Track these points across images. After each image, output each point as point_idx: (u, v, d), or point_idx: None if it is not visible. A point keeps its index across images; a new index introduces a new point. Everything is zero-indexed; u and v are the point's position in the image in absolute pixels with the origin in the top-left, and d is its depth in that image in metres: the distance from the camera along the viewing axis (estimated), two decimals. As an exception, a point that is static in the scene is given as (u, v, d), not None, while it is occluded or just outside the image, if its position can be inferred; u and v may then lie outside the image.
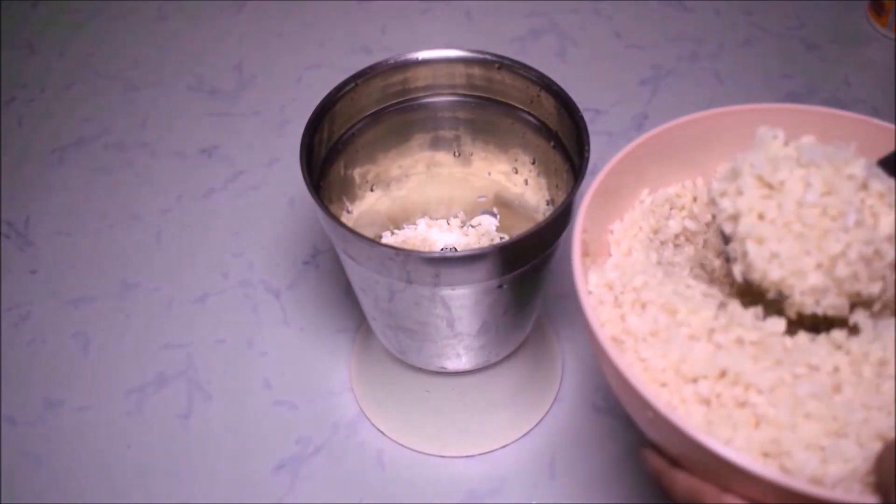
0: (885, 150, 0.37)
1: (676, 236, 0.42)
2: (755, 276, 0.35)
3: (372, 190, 0.55)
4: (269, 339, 0.60)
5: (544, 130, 0.51)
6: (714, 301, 0.36)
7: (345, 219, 0.53)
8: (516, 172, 0.55)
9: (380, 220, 0.56)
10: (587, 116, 0.47)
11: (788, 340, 0.35)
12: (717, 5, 0.84)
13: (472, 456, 0.54)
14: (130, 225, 0.68)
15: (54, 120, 0.76)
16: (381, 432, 0.55)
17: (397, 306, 0.46)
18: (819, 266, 0.34)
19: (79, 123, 0.76)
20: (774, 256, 0.34)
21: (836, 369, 0.34)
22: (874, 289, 0.34)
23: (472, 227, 0.57)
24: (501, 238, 0.57)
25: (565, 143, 0.50)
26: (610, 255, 0.40)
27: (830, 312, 0.35)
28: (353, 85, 0.50)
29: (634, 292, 0.37)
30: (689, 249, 0.42)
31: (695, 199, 0.42)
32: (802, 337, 0.35)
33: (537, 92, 0.50)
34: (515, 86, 0.51)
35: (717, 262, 0.42)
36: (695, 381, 0.33)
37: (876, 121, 0.40)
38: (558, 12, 0.84)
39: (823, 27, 0.81)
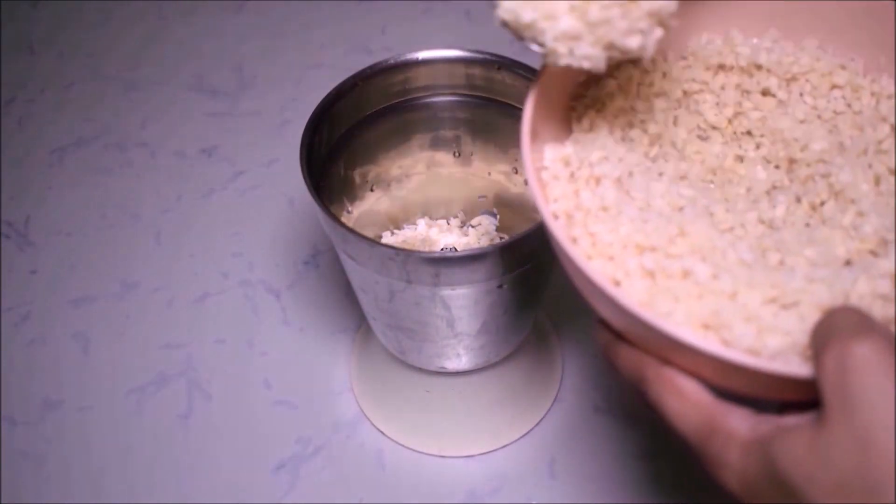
0: None
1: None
2: (508, 18, 0.34)
3: (372, 190, 0.55)
4: (269, 339, 0.60)
5: (544, 130, 0.51)
6: (671, 181, 0.36)
7: (345, 219, 0.53)
8: (516, 172, 0.55)
9: (380, 220, 0.56)
10: (587, 116, 0.47)
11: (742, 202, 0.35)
12: (717, 5, 0.84)
13: (472, 456, 0.54)
14: (130, 225, 0.68)
15: (54, 120, 0.76)
16: (381, 432, 0.55)
17: (397, 306, 0.46)
18: (572, 9, 0.32)
19: (79, 123, 0.76)
20: None
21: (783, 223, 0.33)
22: (632, 42, 0.32)
23: (472, 227, 0.57)
24: (501, 238, 0.57)
25: (565, 143, 0.50)
26: (571, 131, 0.38)
27: (587, 65, 0.32)
28: (353, 85, 0.50)
29: (590, 167, 0.35)
30: (652, 127, 0.39)
31: (664, 75, 0.40)
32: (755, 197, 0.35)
33: (537, 92, 0.50)
34: (515, 86, 0.51)
35: (682, 134, 0.40)
36: (640, 254, 0.33)
37: None
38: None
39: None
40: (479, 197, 0.57)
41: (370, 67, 0.50)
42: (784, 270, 0.32)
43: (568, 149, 0.37)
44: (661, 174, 0.37)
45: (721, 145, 0.39)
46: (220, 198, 0.70)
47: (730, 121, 0.39)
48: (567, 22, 0.32)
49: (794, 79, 0.39)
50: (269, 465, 0.54)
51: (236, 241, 0.66)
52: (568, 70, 0.34)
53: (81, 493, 0.53)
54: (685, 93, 0.40)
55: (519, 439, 0.55)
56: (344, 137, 0.51)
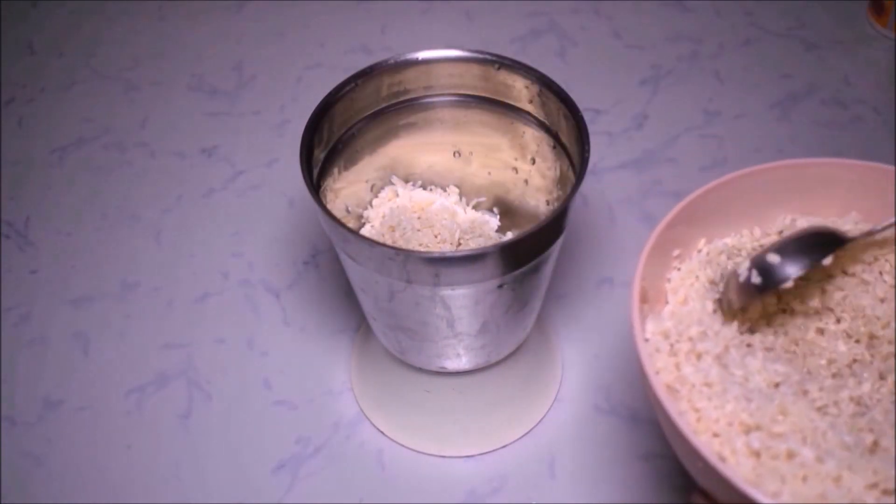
0: None
1: None
2: None
3: (372, 190, 0.55)
4: (269, 339, 0.60)
5: (544, 130, 0.51)
6: (768, 359, 0.38)
7: (345, 218, 0.53)
8: (516, 172, 0.55)
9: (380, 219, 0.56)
10: (587, 116, 0.47)
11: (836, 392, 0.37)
12: (717, 5, 0.84)
13: (472, 456, 0.54)
14: (130, 225, 0.68)
15: (54, 120, 0.76)
16: (381, 432, 0.55)
17: (397, 306, 0.46)
18: None
19: (79, 123, 0.76)
20: None
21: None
22: None
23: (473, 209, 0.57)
24: (501, 238, 0.57)
25: (565, 143, 0.50)
26: (666, 302, 0.41)
27: None
28: (353, 85, 0.50)
29: (690, 342, 0.38)
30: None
31: (761, 247, 0.43)
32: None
33: (537, 92, 0.50)
34: (515, 86, 0.51)
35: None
36: (747, 432, 0.34)
37: None
38: (558, 12, 0.84)
39: (823, 27, 0.81)
40: (479, 197, 0.57)
41: (370, 67, 0.50)
42: (881, 453, 0.34)
43: (667, 322, 0.39)
44: (749, 345, 0.39)
45: (803, 317, 0.41)
46: (220, 198, 0.70)
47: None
48: None
49: (875, 259, 0.42)
50: (269, 465, 0.54)
51: (236, 241, 0.66)
52: (665, 242, 0.40)
53: (81, 493, 0.53)
54: None
55: (519, 439, 0.55)
56: (344, 137, 0.51)
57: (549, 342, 0.59)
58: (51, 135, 0.75)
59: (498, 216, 0.57)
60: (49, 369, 0.59)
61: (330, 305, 0.62)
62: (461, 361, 0.50)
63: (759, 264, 0.38)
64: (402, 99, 0.52)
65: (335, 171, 0.51)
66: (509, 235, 0.56)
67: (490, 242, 0.53)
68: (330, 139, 0.50)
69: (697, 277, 0.41)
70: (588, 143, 0.46)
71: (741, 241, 0.43)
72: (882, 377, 0.39)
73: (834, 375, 0.39)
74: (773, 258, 0.38)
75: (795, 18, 0.82)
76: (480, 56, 0.51)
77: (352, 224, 0.54)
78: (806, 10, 0.83)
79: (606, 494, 0.52)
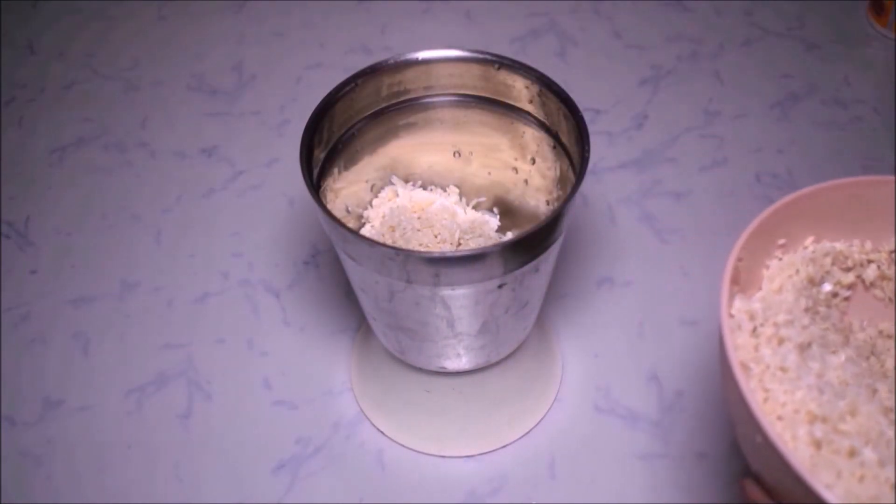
0: None
1: (828, 296, 0.42)
2: None
3: (372, 190, 0.55)
4: (269, 339, 0.60)
5: (544, 130, 0.51)
6: (853, 363, 0.37)
7: (345, 218, 0.53)
8: (516, 172, 0.55)
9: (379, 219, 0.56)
10: (587, 116, 0.47)
11: None
12: (717, 5, 0.84)
13: (472, 456, 0.54)
14: (130, 225, 0.68)
15: (54, 120, 0.76)
16: (381, 432, 0.55)
17: (397, 306, 0.46)
18: None
19: (79, 123, 0.76)
20: None
21: None
22: None
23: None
24: (501, 238, 0.57)
25: (565, 143, 0.50)
26: (760, 288, 0.41)
27: None
28: (353, 85, 0.50)
29: (775, 327, 0.38)
30: (835, 315, 0.42)
31: (869, 262, 0.43)
32: None
33: (537, 92, 0.50)
34: (515, 86, 0.51)
35: (861, 335, 0.42)
36: (811, 422, 0.34)
37: None
38: (558, 12, 0.84)
39: (823, 27, 0.81)
40: (479, 197, 0.57)
41: (370, 67, 0.50)
42: None
43: (756, 304, 0.39)
44: (834, 351, 0.39)
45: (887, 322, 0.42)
46: (220, 198, 0.70)
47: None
48: None
49: None
50: (269, 465, 0.54)
51: (236, 241, 0.66)
52: (773, 227, 0.39)
53: (81, 493, 0.53)
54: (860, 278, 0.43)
55: (519, 439, 0.55)
56: (344, 137, 0.51)
57: (549, 342, 0.59)
58: (51, 135, 0.75)
59: (498, 216, 0.57)
60: (49, 369, 0.59)
61: (330, 305, 0.62)
62: (461, 361, 0.50)
63: None
64: (402, 99, 0.52)
65: (335, 171, 0.51)
66: (509, 235, 0.56)
67: (490, 242, 0.53)
68: (330, 139, 0.50)
69: (798, 271, 0.41)
70: (588, 143, 0.46)
71: (850, 249, 0.43)
72: None
73: None
74: None
75: (795, 18, 0.82)
76: (480, 56, 0.50)
77: (352, 224, 0.54)
78: (806, 10, 0.83)
79: (606, 494, 0.52)
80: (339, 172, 0.52)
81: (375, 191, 0.56)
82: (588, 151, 0.45)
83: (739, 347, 0.37)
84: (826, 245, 0.43)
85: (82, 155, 0.73)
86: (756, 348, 0.37)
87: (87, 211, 0.69)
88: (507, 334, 0.50)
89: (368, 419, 0.56)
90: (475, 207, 0.57)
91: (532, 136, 0.52)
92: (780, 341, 0.37)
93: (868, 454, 0.33)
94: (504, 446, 0.55)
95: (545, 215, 0.53)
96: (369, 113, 0.52)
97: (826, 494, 0.30)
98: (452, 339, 0.48)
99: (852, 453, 0.33)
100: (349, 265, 0.46)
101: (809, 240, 0.42)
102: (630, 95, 0.76)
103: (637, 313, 0.61)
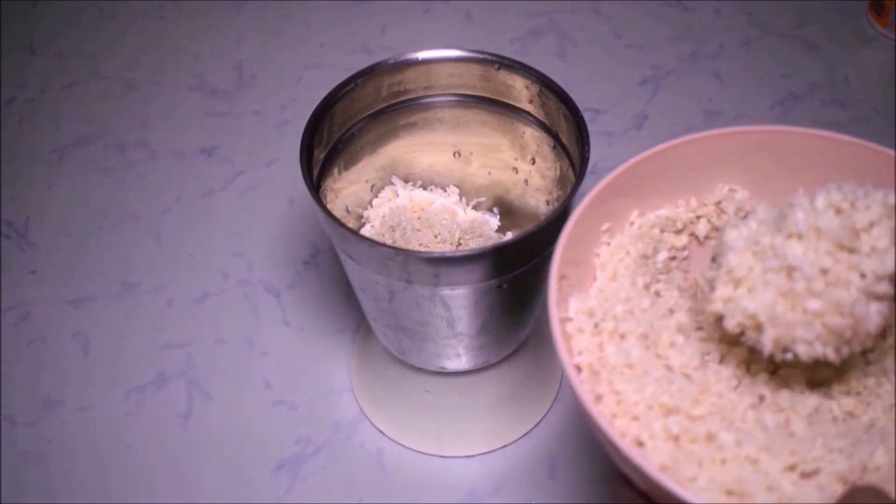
0: (885, 175, 0.37)
1: (665, 263, 0.41)
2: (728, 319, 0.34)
3: (372, 190, 0.55)
4: (269, 339, 0.60)
5: (544, 130, 0.51)
6: (694, 338, 0.37)
7: (345, 218, 0.53)
8: (516, 172, 0.55)
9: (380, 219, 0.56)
10: (587, 116, 0.47)
11: (762, 384, 0.36)
12: (717, 5, 0.84)
13: (472, 456, 0.54)
14: (130, 225, 0.68)
15: (54, 120, 0.76)
16: (381, 432, 0.55)
17: (397, 306, 0.46)
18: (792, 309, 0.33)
19: (79, 123, 0.76)
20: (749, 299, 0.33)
21: (810, 412, 0.35)
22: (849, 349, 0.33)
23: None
24: (501, 238, 0.57)
25: (565, 143, 0.50)
26: (595, 279, 0.39)
27: (802, 356, 0.33)
28: (353, 85, 0.50)
29: (614, 321, 0.36)
30: (678, 276, 0.41)
31: (697, 218, 0.41)
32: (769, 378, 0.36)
33: (537, 92, 0.50)
34: (515, 86, 0.51)
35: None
36: (666, 416, 0.33)
37: (875, 146, 0.39)
38: (558, 12, 0.84)
39: (823, 27, 0.81)
40: (479, 197, 0.57)
41: (370, 67, 0.50)
42: (801, 435, 0.33)
43: (592, 300, 0.37)
44: (679, 328, 0.37)
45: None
46: (220, 198, 0.70)
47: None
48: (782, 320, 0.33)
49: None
50: (269, 465, 0.54)
51: (236, 241, 0.66)
52: (594, 216, 0.37)
53: (82, 492, 0.53)
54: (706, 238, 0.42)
55: (519, 439, 0.55)
56: (344, 137, 0.51)
57: (549, 342, 0.59)
58: (51, 135, 0.75)
59: (498, 216, 0.57)
60: (49, 369, 0.59)
61: (330, 305, 0.62)
62: (461, 361, 0.50)
63: None
64: (402, 99, 0.52)
65: (335, 171, 0.51)
66: (509, 235, 0.56)
67: (490, 242, 0.53)
68: (330, 139, 0.50)
69: (628, 252, 0.39)
70: (588, 143, 0.46)
71: (676, 212, 0.41)
72: None
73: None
74: None
75: (795, 18, 0.82)
76: (480, 56, 0.50)
77: (352, 224, 0.54)
78: (806, 10, 0.83)
79: (606, 494, 0.52)
80: (339, 172, 0.52)
81: (375, 191, 0.56)
82: (588, 151, 0.45)
83: (584, 351, 0.35)
84: (651, 216, 0.41)
85: (82, 155, 0.73)
86: (600, 347, 0.36)
87: (87, 211, 0.69)
88: (506, 334, 0.50)
89: (368, 419, 0.56)
90: (475, 207, 0.57)
91: (532, 136, 0.52)
92: (622, 336, 0.36)
93: (724, 436, 0.32)
94: (504, 446, 0.55)
95: (545, 215, 0.53)
96: (369, 113, 0.52)
97: (683, 493, 0.29)
98: (452, 339, 0.48)
99: (709, 438, 0.33)
100: (349, 265, 0.46)
101: (634, 215, 0.40)
102: (630, 95, 0.76)
103: (637, 313, 0.61)
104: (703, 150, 0.40)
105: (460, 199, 0.57)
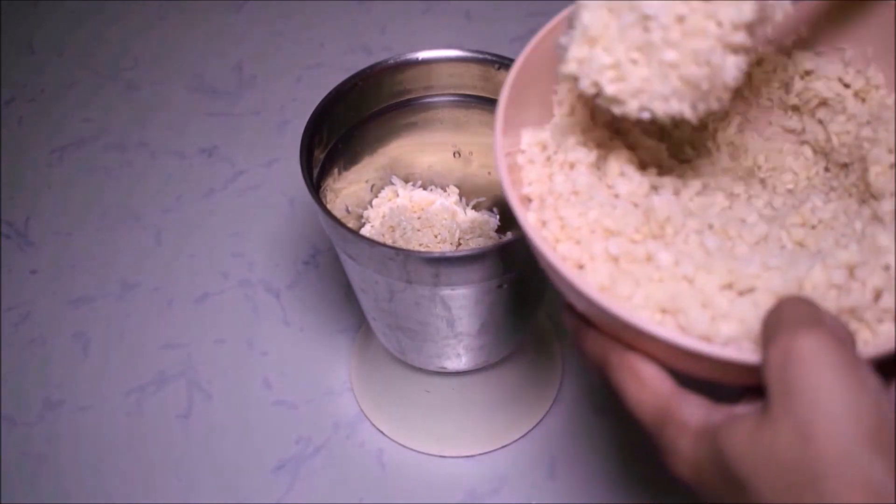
0: None
1: None
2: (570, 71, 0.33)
3: (372, 190, 0.55)
4: (269, 339, 0.60)
5: (544, 130, 0.51)
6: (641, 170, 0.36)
7: (345, 218, 0.53)
8: (516, 172, 0.55)
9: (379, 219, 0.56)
10: (587, 116, 0.47)
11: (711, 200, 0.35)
12: (717, 5, 0.84)
13: (472, 456, 0.54)
14: (130, 225, 0.68)
15: (54, 120, 0.76)
16: (381, 432, 0.55)
17: (397, 306, 0.46)
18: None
19: (79, 123, 0.76)
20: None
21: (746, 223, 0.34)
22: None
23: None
24: (501, 238, 0.57)
25: (565, 143, 0.50)
26: (553, 115, 0.38)
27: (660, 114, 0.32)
28: (353, 85, 0.50)
29: (565, 152, 0.36)
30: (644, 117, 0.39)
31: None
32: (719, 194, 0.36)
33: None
34: (515, 86, 0.51)
35: (676, 132, 0.40)
36: (606, 238, 0.33)
37: None
38: (558, 12, 0.84)
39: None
40: (479, 197, 0.57)
41: (370, 67, 0.50)
42: (742, 256, 0.32)
43: (546, 133, 0.36)
44: (632, 159, 0.36)
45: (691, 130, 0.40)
46: (220, 198, 0.70)
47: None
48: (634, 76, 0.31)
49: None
50: (269, 465, 0.54)
51: (236, 241, 0.66)
52: (550, 52, 0.35)
53: (81, 493, 0.53)
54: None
55: (519, 439, 0.55)
56: (344, 137, 0.51)
57: (549, 342, 0.59)
58: (51, 135, 0.75)
59: (498, 216, 0.57)
60: (49, 369, 0.59)
61: (330, 305, 0.62)
62: (461, 361, 0.50)
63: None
64: (402, 99, 0.52)
65: (335, 171, 0.51)
66: (509, 235, 0.56)
67: (490, 242, 0.53)
68: (330, 139, 0.50)
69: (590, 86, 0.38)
70: (588, 143, 0.45)
71: None
72: (763, 185, 0.38)
73: (707, 186, 0.37)
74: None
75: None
76: (480, 56, 0.51)
77: (352, 224, 0.54)
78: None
79: (606, 494, 0.52)
80: (339, 172, 0.52)
81: (375, 191, 0.56)
82: (588, 151, 0.45)
83: (533, 182, 0.35)
84: None
85: (82, 155, 0.73)
86: (550, 178, 0.35)
87: (87, 211, 0.69)
88: (506, 334, 0.50)
89: (368, 419, 0.56)
90: (475, 207, 0.57)
91: (532, 136, 0.52)
92: (572, 166, 0.35)
93: (663, 256, 0.32)
94: (504, 446, 0.55)
95: (545, 215, 0.53)
96: (369, 113, 0.52)
97: (617, 308, 0.29)
98: (452, 339, 0.48)
99: (649, 258, 0.32)
100: (349, 265, 0.46)
101: None
102: (630, 95, 0.76)
103: (637, 313, 0.61)
104: None
105: (460, 199, 0.57)
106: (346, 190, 0.53)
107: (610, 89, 0.32)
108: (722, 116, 0.39)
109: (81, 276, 0.65)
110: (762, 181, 0.38)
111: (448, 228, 0.54)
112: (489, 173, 0.56)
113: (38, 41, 0.84)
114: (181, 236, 0.67)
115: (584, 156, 0.35)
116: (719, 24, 0.31)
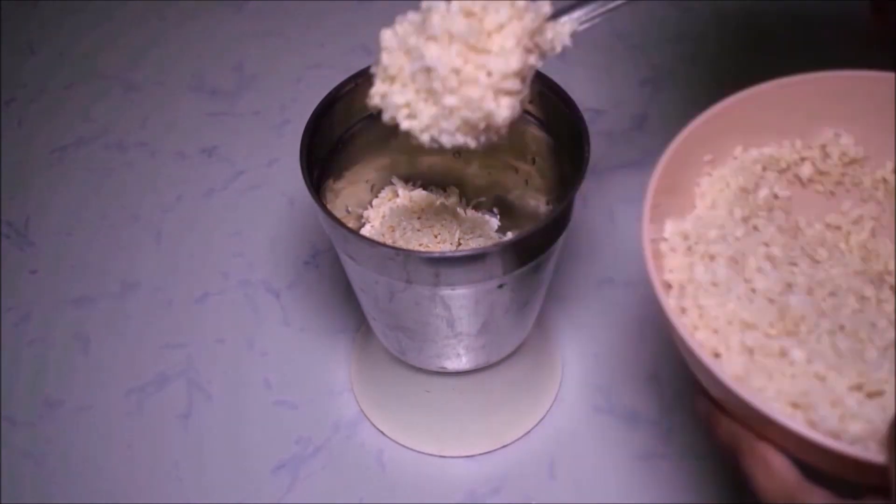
0: None
1: (767, 200, 0.42)
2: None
3: (372, 190, 0.55)
4: (269, 339, 0.60)
5: (544, 130, 0.51)
6: (784, 270, 0.38)
7: (345, 218, 0.53)
8: (516, 172, 0.55)
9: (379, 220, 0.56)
10: (587, 116, 0.47)
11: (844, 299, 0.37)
12: (717, 5, 0.84)
13: (472, 456, 0.54)
14: (130, 225, 0.68)
15: (54, 120, 0.76)
16: (381, 432, 0.55)
17: (397, 306, 0.46)
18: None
19: (79, 123, 0.76)
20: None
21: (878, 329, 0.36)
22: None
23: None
24: (501, 238, 0.57)
25: (565, 143, 0.50)
26: (694, 207, 0.41)
27: (449, 143, 0.39)
28: (353, 85, 0.50)
29: (706, 244, 0.38)
30: (779, 216, 0.42)
31: (802, 160, 0.43)
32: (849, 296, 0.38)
33: (537, 92, 0.50)
34: (515, 86, 0.51)
35: (810, 231, 0.42)
36: (743, 330, 0.35)
37: None
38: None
39: (823, 27, 0.81)
40: (479, 197, 0.57)
41: (370, 67, 0.50)
42: (872, 360, 0.35)
43: (688, 224, 0.40)
44: (769, 256, 0.39)
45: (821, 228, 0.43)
46: (220, 198, 0.70)
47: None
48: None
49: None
50: (269, 465, 0.54)
51: (236, 241, 0.66)
52: (695, 147, 0.40)
53: (81, 493, 0.53)
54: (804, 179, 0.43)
55: (519, 439, 0.55)
56: (344, 137, 0.51)
57: (549, 342, 0.59)
58: (51, 135, 0.75)
59: (498, 216, 0.57)
60: (49, 369, 0.59)
61: (330, 305, 0.62)
62: (461, 361, 0.50)
63: None
64: (402, 99, 0.52)
65: (335, 171, 0.51)
66: (509, 235, 0.56)
67: (490, 242, 0.53)
68: (330, 139, 0.50)
69: (728, 184, 0.41)
70: (588, 143, 0.46)
71: (781, 151, 0.42)
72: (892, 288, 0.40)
73: (836, 290, 0.39)
74: None
75: (795, 18, 0.82)
76: (480, 56, 0.50)
77: (352, 224, 0.54)
78: (806, 10, 0.83)
79: (606, 494, 0.52)
80: (339, 172, 0.52)
81: (375, 191, 0.56)
82: (588, 151, 0.45)
83: (674, 269, 0.38)
84: (754, 152, 0.42)
85: (82, 155, 0.73)
86: (690, 267, 0.38)
87: (87, 211, 0.69)
88: (507, 334, 0.50)
89: (368, 419, 0.56)
90: (475, 207, 0.57)
91: (532, 136, 0.52)
92: (712, 257, 0.38)
93: (797, 354, 0.34)
94: (504, 446, 0.55)
95: (545, 215, 0.53)
96: (369, 113, 0.52)
97: (750, 397, 0.31)
98: (452, 339, 0.48)
99: (782, 354, 0.34)
100: (349, 265, 0.46)
101: (737, 150, 0.42)
102: (630, 95, 0.76)
103: (637, 313, 0.61)
104: (810, 92, 0.41)
105: (460, 199, 0.57)
106: (346, 190, 0.53)
107: (404, 125, 0.39)
108: (855, 220, 0.42)
109: (81, 276, 0.65)
110: (892, 287, 0.40)
111: (448, 228, 0.54)
112: (489, 173, 0.56)
113: (38, 41, 0.84)
114: (181, 236, 0.67)
115: (724, 249, 0.38)
116: (490, 74, 0.36)
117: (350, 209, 0.54)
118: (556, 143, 0.51)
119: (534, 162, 0.53)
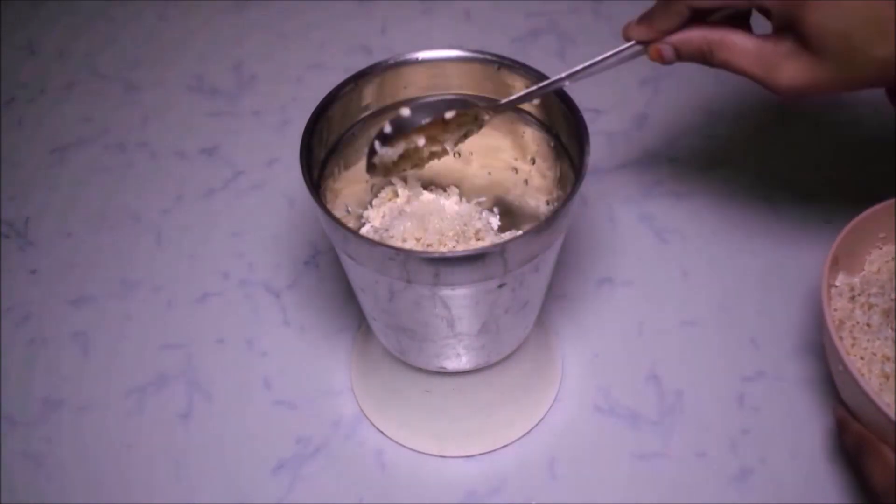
0: None
1: None
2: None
3: (372, 190, 0.55)
4: (269, 339, 0.60)
5: (544, 130, 0.51)
6: None
7: (345, 219, 0.53)
8: (516, 172, 0.55)
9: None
10: (587, 116, 0.47)
11: None
12: (717, 5, 0.84)
13: (472, 456, 0.54)
14: (130, 225, 0.68)
15: (54, 120, 0.76)
16: (381, 432, 0.55)
17: (397, 306, 0.46)
18: None
19: (79, 123, 0.76)
20: None
21: None
22: None
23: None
24: (501, 238, 0.57)
25: (565, 143, 0.50)
26: (862, 270, 0.55)
27: None
28: (353, 85, 0.50)
29: (868, 296, 0.52)
30: None
31: None
32: None
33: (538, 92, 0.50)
34: (515, 86, 0.51)
35: None
36: (884, 362, 0.49)
37: None
38: (558, 12, 0.84)
39: (823, 27, 0.81)
40: (479, 197, 0.57)
41: (370, 67, 0.50)
42: None
43: (856, 280, 0.54)
44: None
45: None
46: (220, 198, 0.70)
47: None
48: None
49: None
50: (269, 465, 0.54)
51: (236, 241, 0.66)
52: (873, 225, 0.53)
53: (81, 493, 0.53)
54: None
55: (519, 439, 0.55)
56: (344, 137, 0.51)
57: (549, 342, 0.59)
58: (51, 135, 0.75)
59: (498, 216, 0.57)
60: (49, 369, 0.59)
61: (330, 305, 0.62)
62: (461, 361, 0.50)
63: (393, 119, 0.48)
64: (402, 99, 0.52)
65: (335, 171, 0.51)
66: (509, 235, 0.56)
67: (490, 242, 0.53)
68: (330, 139, 0.50)
69: (893, 258, 0.54)
70: (588, 143, 0.46)
71: None
72: None
73: None
74: (404, 111, 0.48)
75: (795, 18, 0.82)
76: (480, 56, 0.50)
77: (352, 224, 0.54)
78: (806, 10, 0.83)
79: (606, 494, 0.52)
80: (339, 172, 0.52)
81: (375, 191, 0.56)
82: (588, 151, 0.45)
83: (838, 309, 0.52)
84: None
85: (82, 155, 0.73)
86: (852, 310, 0.52)
87: (87, 211, 0.69)
88: (507, 334, 0.50)
89: (368, 419, 0.56)
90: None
91: (532, 136, 0.52)
92: (870, 307, 0.52)
93: None
94: (504, 446, 0.55)
95: (545, 215, 0.53)
96: (369, 113, 0.52)
97: (883, 406, 0.43)
98: (452, 339, 0.48)
99: None
100: (349, 265, 0.46)
101: None
102: (630, 95, 0.76)
103: (637, 313, 0.61)
104: None
105: (460, 199, 0.57)
106: (346, 190, 0.53)
107: None
108: None
109: (81, 276, 0.65)
110: None
111: (448, 228, 0.53)
112: (489, 173, 0.56)
113: (38, 41, 0.84)
114: (181, 236, 0.67)
115: (881, 302, 0.51)
116: None
117: (350, 209, 0.54)
118: (556, 143, 0.51)
119: (534, 162, 0.53)
